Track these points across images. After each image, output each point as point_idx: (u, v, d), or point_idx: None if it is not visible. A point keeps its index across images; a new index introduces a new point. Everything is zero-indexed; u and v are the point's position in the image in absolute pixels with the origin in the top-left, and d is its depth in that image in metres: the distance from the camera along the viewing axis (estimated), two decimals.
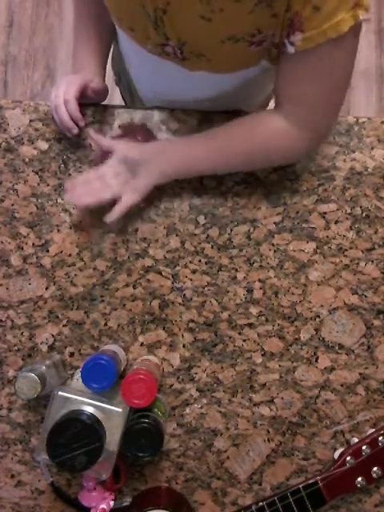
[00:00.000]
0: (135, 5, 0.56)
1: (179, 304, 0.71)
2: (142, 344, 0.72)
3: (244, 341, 0.71)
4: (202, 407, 0.72)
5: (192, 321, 0.71)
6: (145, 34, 0.59)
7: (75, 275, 0.71)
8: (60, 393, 0.64)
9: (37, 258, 0.72)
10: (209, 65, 0.60)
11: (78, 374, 0.68)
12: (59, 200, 0.71)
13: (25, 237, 0.72)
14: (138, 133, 0.72)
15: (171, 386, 0.72)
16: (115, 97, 1.06)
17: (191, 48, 0.58)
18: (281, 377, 0.71)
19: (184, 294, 0.71)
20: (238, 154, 0.65)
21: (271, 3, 0.51)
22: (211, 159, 0.66)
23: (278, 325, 0.71)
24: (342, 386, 0.71)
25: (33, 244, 0.72)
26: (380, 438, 0.67)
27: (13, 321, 0.72)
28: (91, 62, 0.73)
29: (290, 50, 0.54)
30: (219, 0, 0.50)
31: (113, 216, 0.66)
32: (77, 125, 0.68)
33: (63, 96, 0.66)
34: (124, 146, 0.66)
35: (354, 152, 0.71)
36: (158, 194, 0.71)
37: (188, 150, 0.66)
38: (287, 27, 0.53)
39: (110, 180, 0.66)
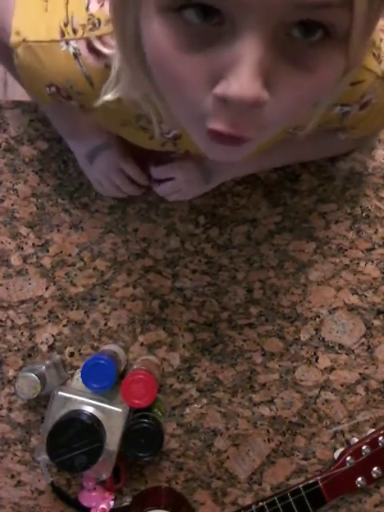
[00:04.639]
0: (161, 150, 0.57)
1: (179, 304, 0.71)
2: (142, 344, 0.72)
3: (244, 341, 0.71)
4: (201, 407, 0.72)
5: (192, 321, 0.71)
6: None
7: (75, 275, 0.71)
8: (60, 393, 0.64)
9: (37, 257, 0.72)
10: None
11: (78, 374, 0.68)
12: (59, 200, 0.71)
13: (25, 237, 0.72)
14: None
15: (171, 385, 0.72)
16: None
17: None
18: (281, 377, 0.71)
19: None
20: (301, 159, 0.69)
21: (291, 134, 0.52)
22: (277, 163, 0.69)
23: (278, 325, 0.71)
24: (342, 385, 0.71)
25: (33, 244, 0.72)
26: (380, 438, 0.67)
27: (13, 321, 0.72)
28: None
29: (341, 137, 0.58)
30: None
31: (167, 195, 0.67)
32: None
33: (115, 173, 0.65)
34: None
35: (354, 152, 0.71)
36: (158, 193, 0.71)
37: (247, 166, 0.66)
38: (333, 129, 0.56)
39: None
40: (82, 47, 0.43)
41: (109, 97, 0.41)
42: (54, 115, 0.64)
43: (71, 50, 0.43)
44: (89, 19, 0.42)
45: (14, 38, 0.44)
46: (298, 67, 0.32)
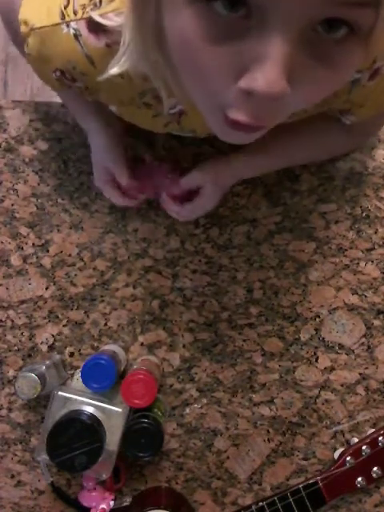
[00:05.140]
0: (165, 131, 0.56)
1: (179, 304, 0.71)
2: (142, 344, 0.72)
3: (244, 341, 0.71)
4: (201, 407, 0.72)
5: (192, 321, 0.71)
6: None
7: (75, 275, 0.71)
8: (60, 393, 0.64)
9: (37, 257, 0.72)
10: None
11: (78, 374, 0.68)
12: (59, 200, 0.71)
13: (25, 237, 0.72)
14: (164, 171, 0.66)
15: (171, 385, 0.72)
16: None
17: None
18: (281, 377, 0.71)
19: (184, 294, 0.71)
20: (302, 160, 0.69)
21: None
22: (279, 166, 0.68)
23: (278, 325, 0.71)
24: (342, 385, 0.71)
25: (33, 244, 0.72)
26: (380, 438, 0.67)
27: (13, 321, 0.72)
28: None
29: (346, 121, 0.57)
30: None
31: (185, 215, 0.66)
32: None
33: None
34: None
35: (354, 152, 0.71)
36: None
37: (260, 167, 0.66)
38: (337, 112, 0.56)
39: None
40: (82, 28, 0.43)
41: (115, 70, 0.40)
42: (73, 110, 0.66)
43: (72, 31, 0.43)
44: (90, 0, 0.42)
45: (23, 29, 0.45)
46: (320, 62, 0.33)
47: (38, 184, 0.72)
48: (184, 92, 0.41)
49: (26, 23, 0.45)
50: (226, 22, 0.31)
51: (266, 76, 0.31)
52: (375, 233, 0.71)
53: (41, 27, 0.44)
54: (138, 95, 0.49)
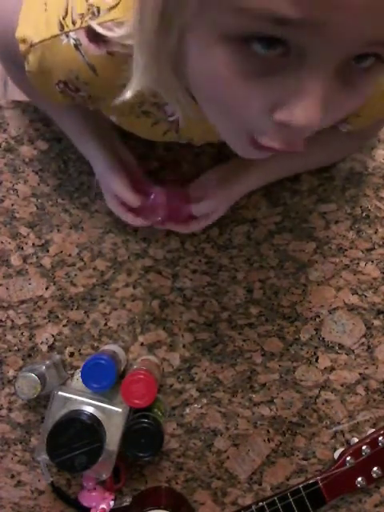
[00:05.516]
0: (163, 139, 0.56)
1: (179, 304, 0.71)
2: (142, 344, 0.72)
3: (244, 341, 0.71)
4: (201, 407, 0.72)
5: (192, 321, 0.71)
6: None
7: (75, 275, 0.71)
8: (60, 393, 0.64)
9: (37, 257, 0.72)
10: None
11: (78, 374, 0.68)
12: (59, 200, 0.71)
13: (25, 237, 0.72)
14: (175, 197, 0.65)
15: (171, 385, 0.72)
16: None
17: (214, 140, 0.59)
18: (281, 377, 0.71)
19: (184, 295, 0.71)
20: (306, 167, 0.70)
21: None
22: (285, 175, 0.69)
23: (278, 325, 0.71)
24: (342, 385, 0.71)
25: (33, 244, 0.72)
26: (380, 438, 0.67)
27: (13, 321, 0.72)
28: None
29: (342, 129, 0.58)
30: None
31: (196, 227, 0.66)
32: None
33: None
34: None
35: (354, 153, 0.71)
36: None
37: (267, 179, 0.67)
38: None
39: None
40: (82, 37, 0.43)
41: (129, 94, 0.40)
42: (74, 138, 0.66)
43: (72, 41, 0.43)
44: (88, 9, 0.42)
45: (22, 47, 0.44)
46: (348, 88, 0.34)
47: (38, 184, 0.72)
48: (199, 113, 0.41)
49: (24, 41, 0.44)
50: (262, 59, 0.32)
51: (306, 110, 0.32)
52: (375, 233, 0.71)
53: (40, 41, 0.43)
54: (137, 104, 0.50)
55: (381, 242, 0.71)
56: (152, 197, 0.64)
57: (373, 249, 0.71)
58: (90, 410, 0.63)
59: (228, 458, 0.72)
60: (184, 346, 0.72)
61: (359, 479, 0.67)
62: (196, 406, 0.72)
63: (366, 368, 0.71)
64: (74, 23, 0.42)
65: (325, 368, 0.71)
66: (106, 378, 0.62)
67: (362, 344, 0.71)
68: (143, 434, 0.63)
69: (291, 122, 0.33)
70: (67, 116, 0.63)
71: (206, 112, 0.40)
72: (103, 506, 0.69)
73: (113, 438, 0.63)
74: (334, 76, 0.32)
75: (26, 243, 0.72)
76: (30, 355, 0.72)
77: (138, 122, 0.53)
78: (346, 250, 0.71)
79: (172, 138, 0.56)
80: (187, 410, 0.72)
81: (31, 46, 0.44)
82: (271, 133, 0.36)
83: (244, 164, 0.64)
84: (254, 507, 0.68)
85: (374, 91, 0.49)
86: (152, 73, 0.38)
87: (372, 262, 0.71)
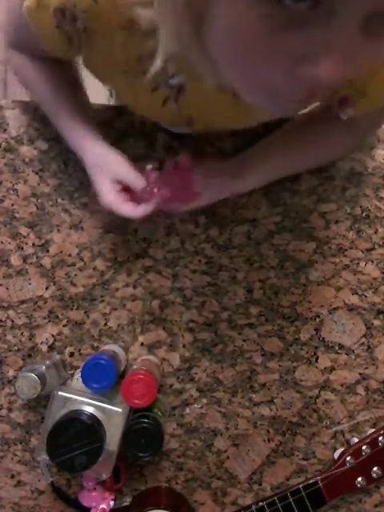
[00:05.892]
0: (163, 115, 0.55)
1: (179, 304, 0.71)
2: (142, 344, 0.72)
3: (244, 341, 0.71)
4: (201, 407, 0.72)
5: (192, 321, 0.71)
6: (165, 122, 0.60)
7: (75, 275, 0.71)
8: (60, 393, 0.64)
9: (37, 257, 0.72)
10: (230, 129, 0.62)
11: (78, 374, 0.68)
12: (59, 200, 0.71)
13: (25, 237, 0.72)
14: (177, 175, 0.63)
15: (171, 385, 0.72)
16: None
17: (217, 128, 0.59)
18: (281, 377, 0.71)
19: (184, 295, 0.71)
20: (308, 164, 0.69)
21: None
22: (286, 173, 0.69)
23: (278, 325, 0.71)
24: (341, 386, 0.71)
25: (33, 244, 0.72)
26: (380, 438, 0.67)
27: (13, 321, 0.72)
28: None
29: (343, 116, 0.56)
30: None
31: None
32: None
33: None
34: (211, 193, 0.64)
35: (354, 152, 0.71)
36: None
37: (269, 177, 0.67)
38: (337, 103, 0.55)
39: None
40: None
41: (158, 64, 0.40)
42: (65, 130, 0.64)
43: None
44: None
45: None
46: (371, 39, 0.34)
47: (38, 184, 0.72)
48: (213, 71, 0.41)
49: None
50: (290, 11, 0.32)
51: (333, 64, 0.32)
52: (375, 233, 0.71)
53: None
54: (136, 60, 0.48)
55: (381, 242, 0.71)
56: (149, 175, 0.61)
57: (373, 249, 0.71)
58: (90, 409, 0.63)
59: (228, 458, 0.72)
60: (184, 346, 0.72)
61: (359, 479, 0.67)
62: (196, 405, 0.72)
63: (366, 368, 0.71)
64: None
65: (325, 368, 0.71)
66: (106, 377, 0.62)
67: (362, 344, 0.71)
68: (143, 433, 0.63)
69: (318, 74, 0.33)
70: (63, 110, 0.62)
71: (226, 74, 0.40)
72: (103, 505, 0.69)
73: (113, 437, 0.63)
74: (359, 28, 0.32)
75: (26, 243, 0.72)
76: (30, 355, 0.72)
77: (136, 85, 0.51)
78: (346, 249, 0.71)
79: (172, 112, 0.54)
80: (187, 410, 0.72)
81: None
82: (295, 85, 0.36)
83: (247, 161, 0.64)
84: (253, 507, 0.68)
85: (381, 66, 0.49)
86: (179, 38, 0.38)
87: (372, 261, 0.71)
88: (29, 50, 0.58)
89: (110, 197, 0.60)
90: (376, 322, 0.71)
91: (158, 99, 0.53)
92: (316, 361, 0.71)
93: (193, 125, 0.58)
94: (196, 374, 0.72)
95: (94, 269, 0.71)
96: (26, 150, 0.71)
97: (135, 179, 0.60)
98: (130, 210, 0.60)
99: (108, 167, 0.60)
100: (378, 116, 0.62)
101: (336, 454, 0.70)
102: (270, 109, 0.43)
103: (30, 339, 0.72)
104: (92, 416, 0.62)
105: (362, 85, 0.52)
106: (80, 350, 0.72)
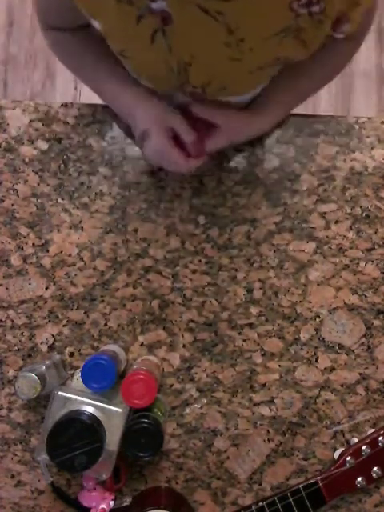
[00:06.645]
0: (158, 62, 0.55)
1: (179, 304, 0.71)
2: (142, 344, 0.72)
3: (244, 341, 0.71)
4: (201, 407, 0.72)
5: (192, 321, 0.71)
6: (165, 82, 0.59)
7: (75, 275, 0.71)
8: (60, 393, 0.64)
9: (37, 257, 0.72)
10: (231, 92, 0.61)
11: (78, 374, 0.68)
12: (59, 200, 0.71)
13: (25, 237, 0.72)
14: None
15: (171, 385, 0.72)
16: None
17: (216, 86, 0.58)
18: (281, 377, 0.71)
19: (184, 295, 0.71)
20: (316, 86, 0.71)
21: (298, 34, 0.50)
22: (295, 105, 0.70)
23: (278, 325, 0.71)
24: (342, 386, 0.71)
25: (33, 244, 0.72)
26: (380, 438, 0.67)
27: (13, 321, 0.72)
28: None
29: (339, 36, 0.56)
30: (247, 41, 0.50)
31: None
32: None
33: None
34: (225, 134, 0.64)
35: (354, 152, 0.71)
36: (158, 193, 0.71)
37: (278, 114, 0.69)
38: (332, 25, 0.54)
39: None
40: None
41: None
42: (115, 95, 0.66)
43: None
44: None
45: None
46: None
47: (38, 184, 0.72)
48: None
49: None
50: None
51: None
52: (375, 233, 0.71)
53: None
54: None
55: (381, 242, 0.71)
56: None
57: (373, 249, 0.71)
58: (90, 409, 0.63)
59: (228, 458, 0.72)
60: (184, 346, 0.72)
61: (359, 479, 0.67)
62: (196, 405, 0.72)
63: (366, 368, 0.71)
64: None
65: (325, 368, 0.71)
66: (105, 377, 0.62)
67: (362, 344, 0.71)
68: (143, 433, 0.63)
69: None
70: (112, 75, 0.65)
71: None
72: (103, 505, 0.69)
73: (113, 437, 0.63)
74: None
75: (26, 243, 0.72)
76: (30, 355, 0.72)
77: (122, 12, 0.49)
78: (346, 249, 0.71)
79: (162, 47, 0.52)
80: (187, 410, 0.72)
81: None
82: None
83: (259, 100, 0.67)
84: (253, 507, 0.68)
85: None
86: None
87: (372, 261, 0.71)
88: (66, 22, 0.62)
89: (164, 140, 0.62)
90: (376, 322, 0.71)
91: (146, 34, 0.51)
92: (316, 361, 0.71)
93: (190, 77, 0.57)
94: (196, 374, 0.72)
95: (94, 269, 0.72)
96: (25, 150, 0.71)
97: (188, 131, 0.62)
98: (183, 162, 0.62)
99: (164, 116, 0.62)
100: (368, 21, 0.62)
101: (336, 454, 0.70)
102: None
103: (30, 339, 0.72)
104: (92, 416, 0.62)
105: None
106: (80, 350, 0.72)
